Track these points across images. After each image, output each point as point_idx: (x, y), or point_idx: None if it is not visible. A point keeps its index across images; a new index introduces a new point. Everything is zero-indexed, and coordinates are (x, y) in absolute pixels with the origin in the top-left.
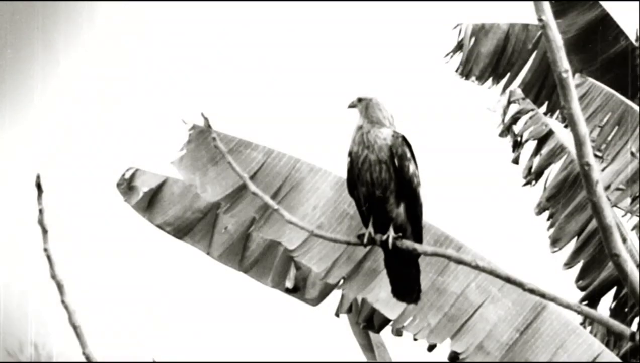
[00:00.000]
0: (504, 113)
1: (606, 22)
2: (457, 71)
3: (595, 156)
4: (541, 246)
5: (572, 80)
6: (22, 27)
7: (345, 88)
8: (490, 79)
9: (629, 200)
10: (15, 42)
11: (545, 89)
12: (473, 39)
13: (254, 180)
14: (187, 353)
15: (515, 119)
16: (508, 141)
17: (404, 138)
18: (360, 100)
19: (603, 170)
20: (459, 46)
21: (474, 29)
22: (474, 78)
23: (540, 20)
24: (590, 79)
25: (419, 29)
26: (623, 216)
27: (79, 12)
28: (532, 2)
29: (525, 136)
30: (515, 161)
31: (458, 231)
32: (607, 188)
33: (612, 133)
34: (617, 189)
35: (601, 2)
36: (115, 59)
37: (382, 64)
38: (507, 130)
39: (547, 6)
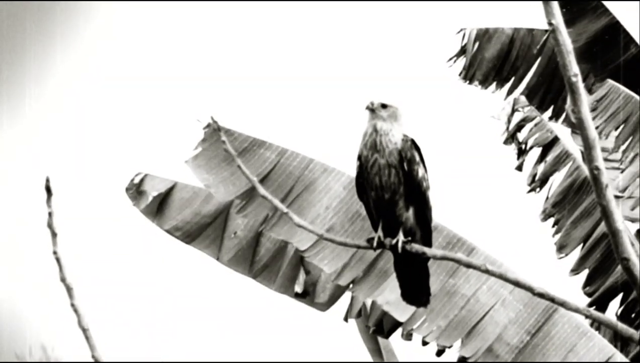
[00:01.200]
0: (509, 121)
1: (616, 30)
2: (460, 75)
3: (607, 160)
4: (547, 253)
5: (582, 84)
6: (20, 26)
7: (347, 92)
8: (494, 84)
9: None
10: (14, 41)
11: (550, 93)
12: (476, 44)
13: (266, 180)
14: (193, 357)
15: (519, 126)
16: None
17: (413, 142)
18: (385, 106)
19: (622, 172)
20: (462, 51)
21: (478, 33)
22: (476, 83)
23: (550, 24)
24: (611, 81)
25: (423, 33)
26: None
27: (77, 11)
28: (537, 7)
29: (530, 143)
30: (519, 168)
31: (471, 233)
32: (624, 190)
33: (631, 135)
34: (630, 197)
35: (611, 11)
36: (114, 57)
37: (388, 69)
38: (511, 138)
39: (557, 10)
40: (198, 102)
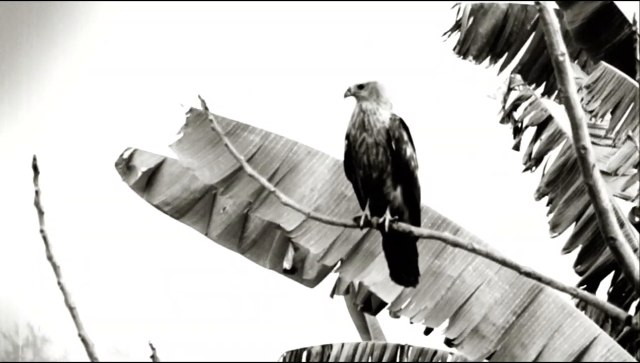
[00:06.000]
0: (505, 100)
1: (610, 11)
2: (454, 50)
3: (607, 137)
4: (541, 232)
5: (569, 63)
6: (18, 24)
7: (341, 69)
8: (487, 59)
9: (635, 186)
10: (12, 34)
11: (542, 70)
12: (471, 19)
13: (251, 162)
14: (183, 334)
15: (515, 105)
16: (509, 126)
17: (401, 121)
18: (361, 86)
19: (613, 154)
20: (457, 25)
21: (473, 8)
22: (471, 57)
23: (537, 3)
24: (604, 63)
25: (417, 8)
26: (633, 201)
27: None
28: None
29: (525, 122)
30: (516, 147)
31: (456, 214)
32: (616, 171)
33: (624, 117)
34: (624, 175)
35: None
36: (112, 45)
37: (380, 44)
38: (507, 117)
39: None
40: (184, 86)
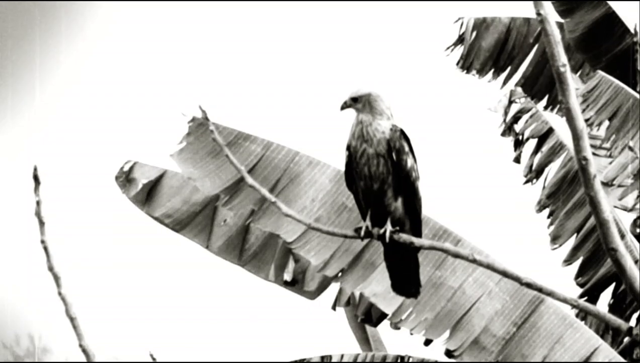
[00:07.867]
0: (506, 113)
1: (611, 20)
2: (457, 64)
3: (603, 148)
4: (542, 244)
5: (570, 74)
6: (24, 25)
7: (343, 79)
8: (490, 73)
9: (632, 196)
10: (14, 37)
11: (545, 83)
12: (474, 33)
13: (252, 173)
14: (184, 346)
15: (516, 118)
16: (510, 139)
17: (402, 132)
18: (355, 99)
19: (610, 163)
20: (460, 40)
21: (475, 22)
22: (474, 72)
23: (538, 14)
24: (600, 72)
25: (420, 20)
26: (629, 211)
27: (78, 10)
28: None
29: (526, 134)
30: (517, 160)
31: (457, 226)
32: (613, 181)
33: (622, 127)
34: (620, 186)
35: (607, 1)
36: (112, 45)
37: (381, 56)
38: (508, 129)
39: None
40: (185, 87)
